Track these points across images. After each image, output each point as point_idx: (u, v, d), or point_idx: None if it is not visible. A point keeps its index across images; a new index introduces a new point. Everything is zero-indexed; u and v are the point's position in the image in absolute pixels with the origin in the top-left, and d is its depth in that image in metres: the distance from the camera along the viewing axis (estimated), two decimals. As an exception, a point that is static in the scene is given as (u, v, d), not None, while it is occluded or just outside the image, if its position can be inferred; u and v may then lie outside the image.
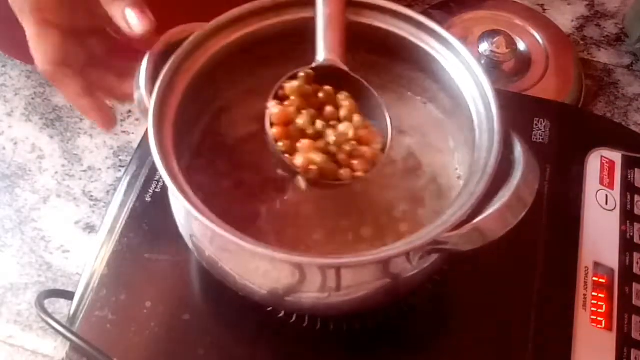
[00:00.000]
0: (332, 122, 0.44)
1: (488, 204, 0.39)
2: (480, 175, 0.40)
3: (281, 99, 0.44)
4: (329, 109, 0.44)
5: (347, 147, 0.43)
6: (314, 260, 0.40)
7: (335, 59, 0.45)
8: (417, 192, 0.48)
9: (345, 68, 0.45)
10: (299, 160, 0.42)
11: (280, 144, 0.42)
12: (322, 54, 0.45)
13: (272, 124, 0.43)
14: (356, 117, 0.44)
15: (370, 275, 0.42)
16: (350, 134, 0.43)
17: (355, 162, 0.43)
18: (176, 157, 0.42)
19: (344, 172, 0.43)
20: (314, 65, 0.45)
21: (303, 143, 0.42)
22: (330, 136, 0.43)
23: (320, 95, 0.44)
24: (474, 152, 0.43)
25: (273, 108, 0.43)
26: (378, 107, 0.45)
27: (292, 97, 0.44)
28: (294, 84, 0.44)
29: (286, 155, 0.42)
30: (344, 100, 0.45)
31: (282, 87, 0.44)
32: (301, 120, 0.43)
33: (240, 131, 0.50)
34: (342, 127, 0.44)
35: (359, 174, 0.43)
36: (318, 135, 0.43)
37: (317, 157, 0.42)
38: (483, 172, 0.40)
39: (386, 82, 0.50)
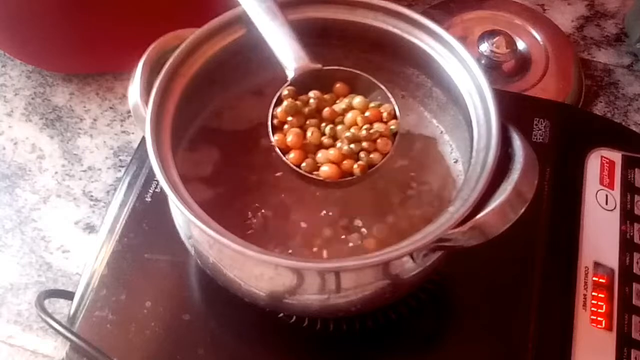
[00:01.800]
0: (337, 119, 0.44)
1: (488, 199, 0.39)
2: (480, 171, 0.40)
3: (278, 128, 0.44)
4: (326, 110, 0.44)
5: (363, 133, 0.43)
6: (324, 266, 0.41)
7: (305, 64, 0.45)
8: (417, 190, 0.48)
9: (318, 65, 0.45)
10: (324, 169, 0.42)
11: (303, 165, 0.43)
12: (291, 65, 0.44)
13: (284, 153, 0.43)
14: (356, 99, 0.44)
15: (374, 275, 0.42)
16: (359, 119, 0.43)
17: (379, 141, 0.43)
18: (175, 162, 0.42)
19: (374, 156, 0.43)
20: (289, 80, 0.44)
21: (325, 157, 0.43)
22: (344, 133, 0.43)
23: (312, 102, 0.44)
24: (472, 147, 0.43)
25: (279, 142, 0.43)
26: (370, 85, 0.45)
27: (289, 119, 0.43)
28: (283, 106, 0.44)
29: (314, 174, 0.43)
30: (338, 89, 0.45)
31: (274, 117, 0.44)
32: (310, 134, 0.43)
33: (238, 132, 0.50)
34: (349, 116, 0.44)
35: (385, 149, 0.43)
36: (333, 138, 0.43)
37: (347, 163, 0.42)
38: (482, 167, 0.41)
39: (382, 81, 0.50)
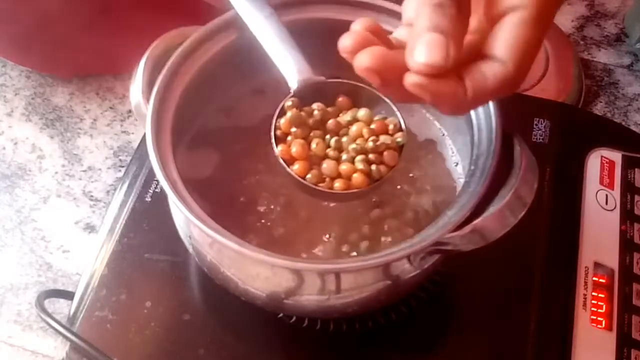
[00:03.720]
0: (342, 132, 0.43)
1: (488, 203, 0.39)
2: (479, 175, 0.40)
3: (282, 139, 0.43)
4: (331, 122, 0.43)
5: (370, 145, 0.42)
6: (321, 267, 0.40)
7: (308, 75, 0.44)
8: (417, 190, 0.48)
9: (321, 77, 0.44)
10: (337, 184, 0.41)
11: (309, 176, 0.41)
12: (294, 77, 0.44)
13: (288, 164, 0.42)
14: (361, 111, 0.43)
15: (372, 276, 0.42)
16: (365, 131, 0.42)
17: (385, 154, 0.42)
18: (175, 159, 0.42)
19: (382, 168, 0.42)
20: (292, 92, 0.44)
21: (333, 169, 0.42)
22: (351, 145, 0.42)
23: (316, 113, 0.43)
24: (473, 150, 0.43)
25: (283, 152, 0.42)
26: (373, 98, 0.44)
27: (293, 130, 0.42)
28: (287, 116, 0.43)
29: (320, 186, 0.41)
30: (341, 103, 0.44)
31: (277, 128, 0.43)
32: (315, 145, 0.42)
33: (239, 131, 0.50)
34: (354, 128, 0.43)
35: (392, 162, 0.42)
36: (339, 150, 0.42)
37: (357, 177, 0.41)
38: (482, 171, 0.40)
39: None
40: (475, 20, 0.34)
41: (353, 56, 0.33)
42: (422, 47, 0.31)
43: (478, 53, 0.32)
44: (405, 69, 0.32)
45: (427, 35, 0.31)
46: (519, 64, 0.31)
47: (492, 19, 0.32)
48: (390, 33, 0.45)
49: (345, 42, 0.34)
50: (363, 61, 0.33)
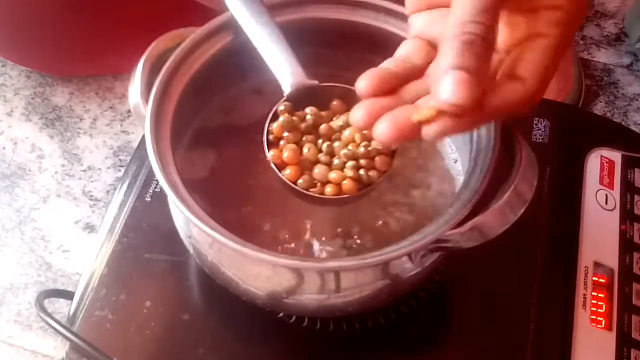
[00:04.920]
0: (335, 136, 0.43)
1: (488, 201, 0.39)
2: (479, 173, 0.40)
3: (274, 144, 0.43)
4: (323, 127, 0.43)
5: (362, 150, 0.42)
6: (322, 266, 0.40)
7: (301, 80, 0.44)
8: (416, 190, 0.48)
9: (315, 82, 0.44)
10: (328, 190, 0.41)
11: (300, 182, 0.41)
12: (288, 81, 0.44)
13: (280, 169, 0.42)
14: None
15: (373, 275, 0.42)
16: (357, 136, 0.42)
17: (377, 159, 0.42)
18: (175, 160, 0.42)
19: (372, 174, 0.42)
20: (285, 96, 0.44)
21: (323, 175, 0.41)
22: (342, 151, 0.42)
23: (309, 118, 0.43)
24: (472, 147, 0.43)
25: (275, 157, 0.42)
26: None
27: (285, 134, 0.42)
28: (280, 121, 0.43)
29: (312, 191, 0.41)
30: (335, 107, 0.44)
31: (270, 132, 0.43)
32: (307, 150, 0.42)
33: (238, 132, 0.50)
34: (346, 133, 0.43)
35: (384, 168, 0.42)
36: (331, 155, 0.42)
37: (348, 183, 0.41)
38: (482, 169, 0.40)
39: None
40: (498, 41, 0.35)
41: (367, 128, 0.34)
42: (450, 86, 0.31)
43: (497, 71, 0.34)
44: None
45: (455, 73, 0.31)
46: (538, 86, 0.33)
47: (515, 43, 0.34)
48: (392, 34, 0.46)
49: (356, 117, 0.35)
50: (381, 134, 0.33)
